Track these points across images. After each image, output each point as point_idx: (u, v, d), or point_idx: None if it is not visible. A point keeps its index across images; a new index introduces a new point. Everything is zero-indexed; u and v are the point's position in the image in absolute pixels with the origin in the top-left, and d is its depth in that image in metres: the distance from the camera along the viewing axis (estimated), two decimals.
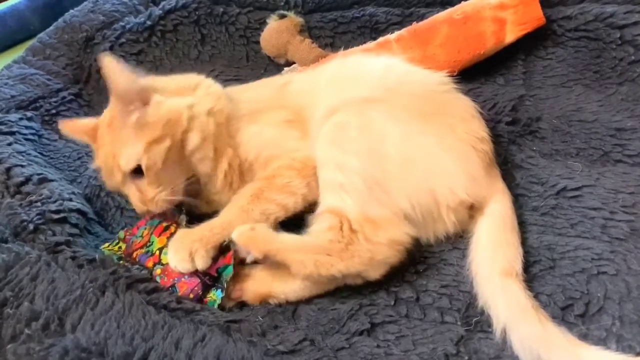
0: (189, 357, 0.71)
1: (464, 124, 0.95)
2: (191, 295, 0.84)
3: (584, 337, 0.73)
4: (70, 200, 1.06)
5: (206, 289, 0.85)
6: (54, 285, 0.81)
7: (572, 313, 0.77)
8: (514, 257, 0.83)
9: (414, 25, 1.28)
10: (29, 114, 1.37)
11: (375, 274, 0.84)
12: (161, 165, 0.90)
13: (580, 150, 1.03)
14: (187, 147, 0.94)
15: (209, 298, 0.85)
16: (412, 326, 0.80)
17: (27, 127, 1.31)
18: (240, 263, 0.88)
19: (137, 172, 0.91)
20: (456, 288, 0.83)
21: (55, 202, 1.03)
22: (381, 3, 1.43)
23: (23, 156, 1.18)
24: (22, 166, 1.12)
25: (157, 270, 0.88)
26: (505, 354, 0.74)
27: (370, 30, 1.40)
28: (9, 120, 1.29)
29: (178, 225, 0.94)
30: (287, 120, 1.01)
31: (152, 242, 0.93)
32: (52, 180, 1.11)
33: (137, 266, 0.89)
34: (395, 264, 0.85)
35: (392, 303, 0.83)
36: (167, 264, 0.87)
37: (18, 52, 1.83)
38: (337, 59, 1.10)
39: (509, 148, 1.07)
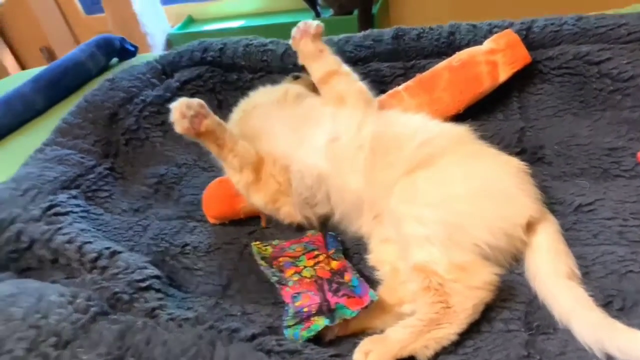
0: None
1: (502, 157, 1.11)
2: (305, 309, 0.96)
3: None
4: (146, 268, 1.15)
5: (319, 312, 0.95)
6: (167, 347, 0.91)
7: (612, 309, 0.90)
8: (573, 264, 0.97)
9: (418, 76, 1.46)
10: (73, 192, 1.45)
11: (477, 316, 0.92)
12: None
13: (583, 170, 1.22)
14: None
15: (315, 321, 0.94)
16: (484, 338, 0.93)
17: (76, 206, 1.40)
18: None
19: None
20: (513, 300, 0.97)
21: (134, 272, 1.12)
22: (382, 59, 1.60)
23: (86, 233, 1.26)
24: (90, 242, 1.21)
25: (295, 277, 1.03)
26: (568, 350, 0.87)
27: (379, 84, 1.56)
28: (61, 202, 1.36)
29: (328, 257, 1.09)
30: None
31: (301, 259, 1.10)
32: (120, 252, 1.20)
33: (276, 270, 1.08)
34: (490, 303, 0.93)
35: None
36: (305, 277, 1.02)
37: (27, 130, 1.94)
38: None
39: None
